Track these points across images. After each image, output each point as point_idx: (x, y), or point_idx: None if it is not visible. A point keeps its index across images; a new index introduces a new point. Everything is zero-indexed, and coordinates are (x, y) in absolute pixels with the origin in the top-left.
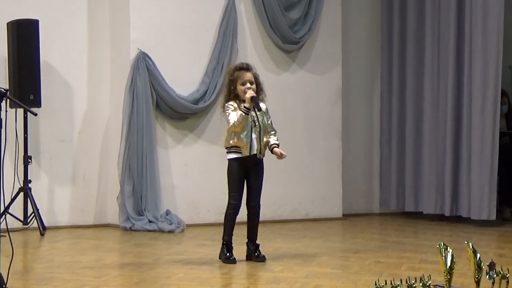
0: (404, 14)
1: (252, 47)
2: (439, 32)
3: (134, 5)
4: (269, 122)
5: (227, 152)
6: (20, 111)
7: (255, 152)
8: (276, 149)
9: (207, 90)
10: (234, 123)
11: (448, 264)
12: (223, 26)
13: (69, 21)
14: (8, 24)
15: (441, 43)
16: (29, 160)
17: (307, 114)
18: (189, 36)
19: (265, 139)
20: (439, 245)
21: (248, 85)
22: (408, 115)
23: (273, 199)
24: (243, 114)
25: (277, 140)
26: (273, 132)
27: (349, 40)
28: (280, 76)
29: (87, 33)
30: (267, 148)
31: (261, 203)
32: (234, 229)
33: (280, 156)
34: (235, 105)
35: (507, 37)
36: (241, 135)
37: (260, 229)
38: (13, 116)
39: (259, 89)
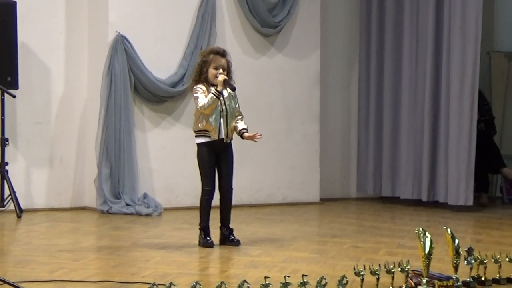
0: None
1: (231, 30)
2: (418, 17)
3: None
4: (237, 106)
5: (196, 136)
6: None
7: (223, 137)
8: (246, 134)
9: (185, 74)
10: (203, 105)
11: (427, 249)
12: (201, 9)
13: (47, 2)
14: None
15: (419, 28)
16: (6, 142)
17: (285, 98)
18: (167, 19)
19: (232, 124)
20: (417, 230)
21: (221, 70)
22: (386, 100)
23: (250, 184)
24: (214, 96)
25: (244, 124)
26: (240, 117)
27: (327, 25)
28: (258, 60)
29: (65, 15)
30: (236, 134)
31: (238, 186)
32: (210, 214)
33: (253, 137)
34: (204, 88)
35: (486, 23)
36: (210, 119)
37: (237, 213)
38: None
39: (229, 77)
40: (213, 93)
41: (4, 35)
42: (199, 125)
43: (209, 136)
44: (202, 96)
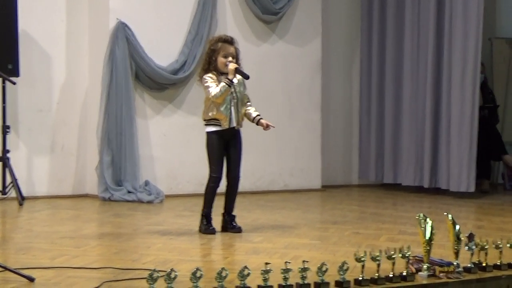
0: None
1: (232, 17)
2: (419, 3)
3: None
4: (246, 92)
5: (206, 125)
6: None
7: (234, 125)
8: (262, 121)
9: (186, 61)
10: (216, 94)
11: (428, 235)
12: None
13: None
14: None
15: (421, 14)
16: (8, 130)
17: (287, 85)
18: (168, 6)
19: (243, 111)
20: (418, 216)
21: (230, 58)
22: (388, 87)
23: (252, 170)
24: (226, 85)
25: (256, 111)
26: (249, 103)
27: (329, 11)
28: (260, 47)
29: (66, 3)
30: (249, 120)
31: (240, 174)
32: (214, 201)
33: (267, 127)
34: (214, 77)
35: (487, 9)
36: (221, 108)
37: (239, 200)
38: None
39: (238, 64)
40: (225, 82)
41: (5, 23)
42: (210, 114)
43: (220, 125)
44: (213, 85)
